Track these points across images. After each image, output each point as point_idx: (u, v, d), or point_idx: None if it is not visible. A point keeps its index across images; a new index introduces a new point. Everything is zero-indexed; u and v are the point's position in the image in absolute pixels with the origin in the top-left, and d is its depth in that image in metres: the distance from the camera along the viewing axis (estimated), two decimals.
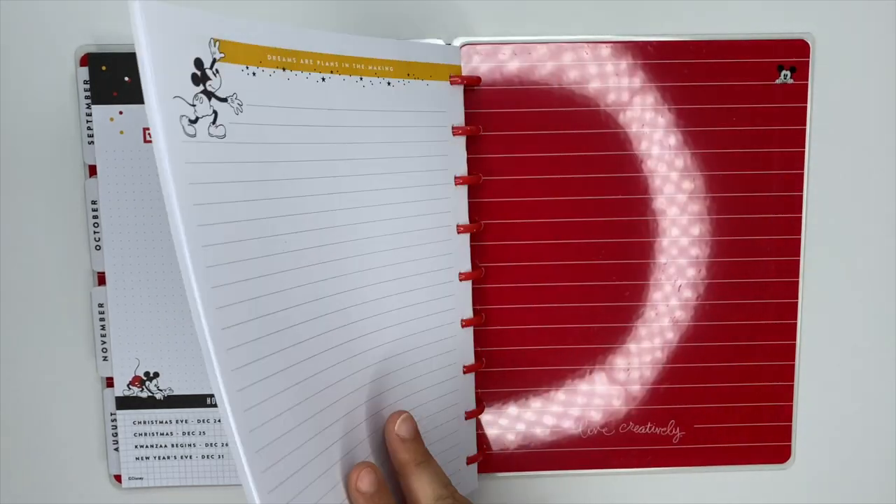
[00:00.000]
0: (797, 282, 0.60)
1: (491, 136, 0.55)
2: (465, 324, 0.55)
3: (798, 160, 0.58)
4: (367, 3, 0.55)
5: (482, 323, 0.56)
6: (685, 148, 0.58)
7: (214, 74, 0.41)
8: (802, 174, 0.58)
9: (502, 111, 0.56)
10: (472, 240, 0.55)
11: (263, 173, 0.43)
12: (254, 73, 0.43)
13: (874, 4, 0.58)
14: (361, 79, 0.48)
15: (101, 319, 0.55)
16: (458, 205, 0.53)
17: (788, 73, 0.57)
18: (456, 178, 0.53)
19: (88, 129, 0.54)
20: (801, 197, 0.59)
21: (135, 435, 0.56)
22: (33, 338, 0.57)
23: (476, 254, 0.56)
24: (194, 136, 0.40)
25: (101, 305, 0.55)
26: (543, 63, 0.56)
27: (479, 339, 0.57)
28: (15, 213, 0.56)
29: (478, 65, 0.55)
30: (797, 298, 0.60)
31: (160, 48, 0.38)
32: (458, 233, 0.53)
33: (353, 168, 0.48)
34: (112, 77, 0.54)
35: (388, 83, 0.49)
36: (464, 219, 0.54)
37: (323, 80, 0.46)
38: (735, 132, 0.57)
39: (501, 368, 0.58)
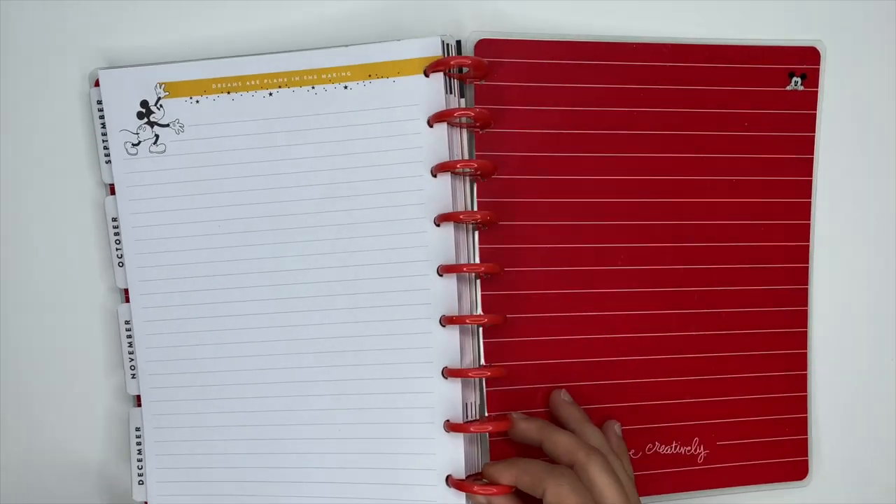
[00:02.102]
0: (806, 289, 0.58)
1: (506, 132, 0.53)
2: (448, 321, 0.51)
3: (806, 166, 0.58)
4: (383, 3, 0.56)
5: (503, 322, 0.52)
6: (695, 152, 0.56)
7: (158, 108, 0.53)
8: (811, 181, 0.58)
9: (517, 108, 0.54)
10: (491, 241, 0.53)
11: (203, 174, 0.53)
12: (197, 101, 0.52)
13: (885, 13, 0.59)
14: (313, 87, 0.52)
15: (129, 337, 0.55)
16: (438, 194, 0.51)
17: (799, 79, 0.57)
18: (436, 166, 0.51)
19: (105, 148, 0.55)
20: (808, 203, 0.58)
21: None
22: (59, 358, 0.57)
23: (496, 256, 0.53)
24: (136, 154, 0.53)
25: (127, 322, 0.55)
26: (559, 61, 0.54)
27: (502, 352, 0.53)
28: (38, 235, 0.57)
29: (493, 59, 0.53)
30: (806, 306, 0.58)
31: (113, 99, 0.54)
32: (438, 224, 0.51)
33: (309, 165, 0.52)
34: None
35: (345, 87, 0.52)
36: (447, 207, 0.51)
37: (270, 94, 0.52)
38: (745, 137, 0.57)
39: (527, 386, 0.53)
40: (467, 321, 0.51)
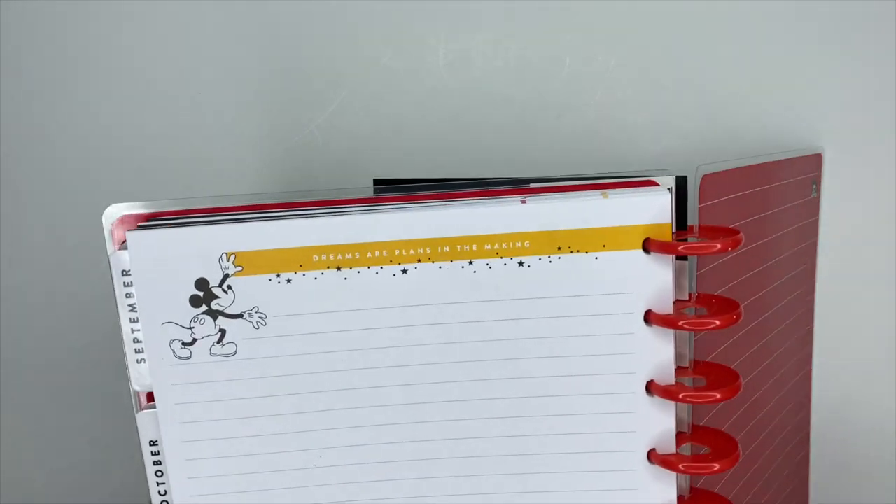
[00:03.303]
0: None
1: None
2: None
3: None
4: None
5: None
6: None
7: (225, 291, 0.33)
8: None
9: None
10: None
11: (297, 386, 0.34)
12: (288, 281, 0.33)
13: (882, 121, 0.53)
14: (471, 263, 0.33)
15: None
16: (657, 422, 0.34)
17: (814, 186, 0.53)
18: (652, 384, 0.34)
19: (136, 341, 0.34)
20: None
21: None
22: None
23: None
24: (188, 357, 0.33)
25: None
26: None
27: None
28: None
29: (719, 200, 0.36)
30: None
31: (150, 276, 0.33)
32: (652, 460, 0.34)
33: (468, 373, 0.34)
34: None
35: (521, 263, 0.33)
36: (668, 441, 0.35)
37: (404, 272, 0.33)
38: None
39: None
40: None
